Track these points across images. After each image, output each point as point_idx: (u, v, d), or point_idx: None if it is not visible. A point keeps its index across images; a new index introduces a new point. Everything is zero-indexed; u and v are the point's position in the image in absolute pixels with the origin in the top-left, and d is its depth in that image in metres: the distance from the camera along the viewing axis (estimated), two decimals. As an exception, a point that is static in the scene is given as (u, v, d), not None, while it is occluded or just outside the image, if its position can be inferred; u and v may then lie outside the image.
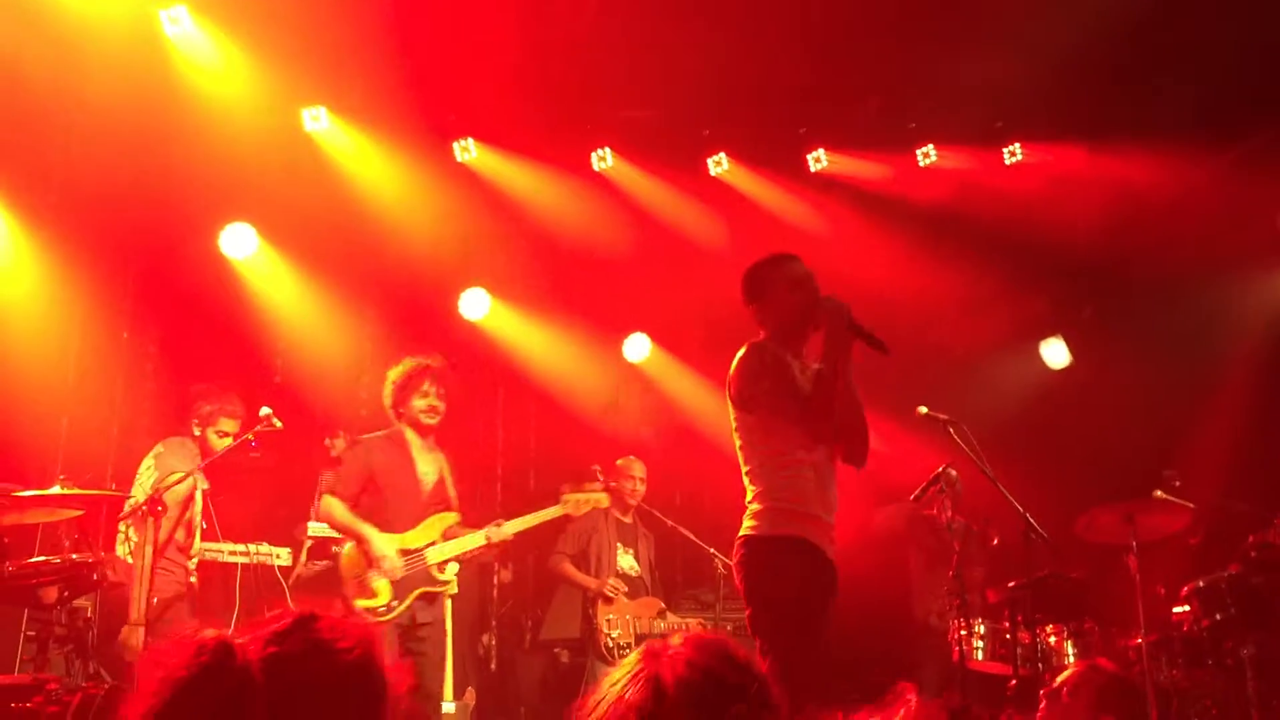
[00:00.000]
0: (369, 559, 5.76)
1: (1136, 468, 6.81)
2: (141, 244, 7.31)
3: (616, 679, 1.58)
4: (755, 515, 4.52)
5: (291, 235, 7.91)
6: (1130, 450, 7.59)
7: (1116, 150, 7.92)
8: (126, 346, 7.14)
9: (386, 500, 5.87)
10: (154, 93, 6.95)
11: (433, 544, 5.91)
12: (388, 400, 6.09)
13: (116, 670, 5.11)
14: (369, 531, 5.77)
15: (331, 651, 1.50)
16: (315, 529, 6.97)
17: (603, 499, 6.62)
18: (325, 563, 6.98)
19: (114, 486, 6.52)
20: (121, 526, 6.00)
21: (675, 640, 1.60)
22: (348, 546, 5.89)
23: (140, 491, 5.96)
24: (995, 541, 7.74)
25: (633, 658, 1.59)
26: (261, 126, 7.27)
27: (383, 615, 5.71)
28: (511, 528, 6.10)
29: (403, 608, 5.75)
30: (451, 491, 6.09)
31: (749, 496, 4.60)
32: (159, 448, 6.26)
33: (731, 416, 4.67)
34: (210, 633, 1.51)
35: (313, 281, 8.03)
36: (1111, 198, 8.14)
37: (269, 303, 7.94)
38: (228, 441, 6.07)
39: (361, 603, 5.72)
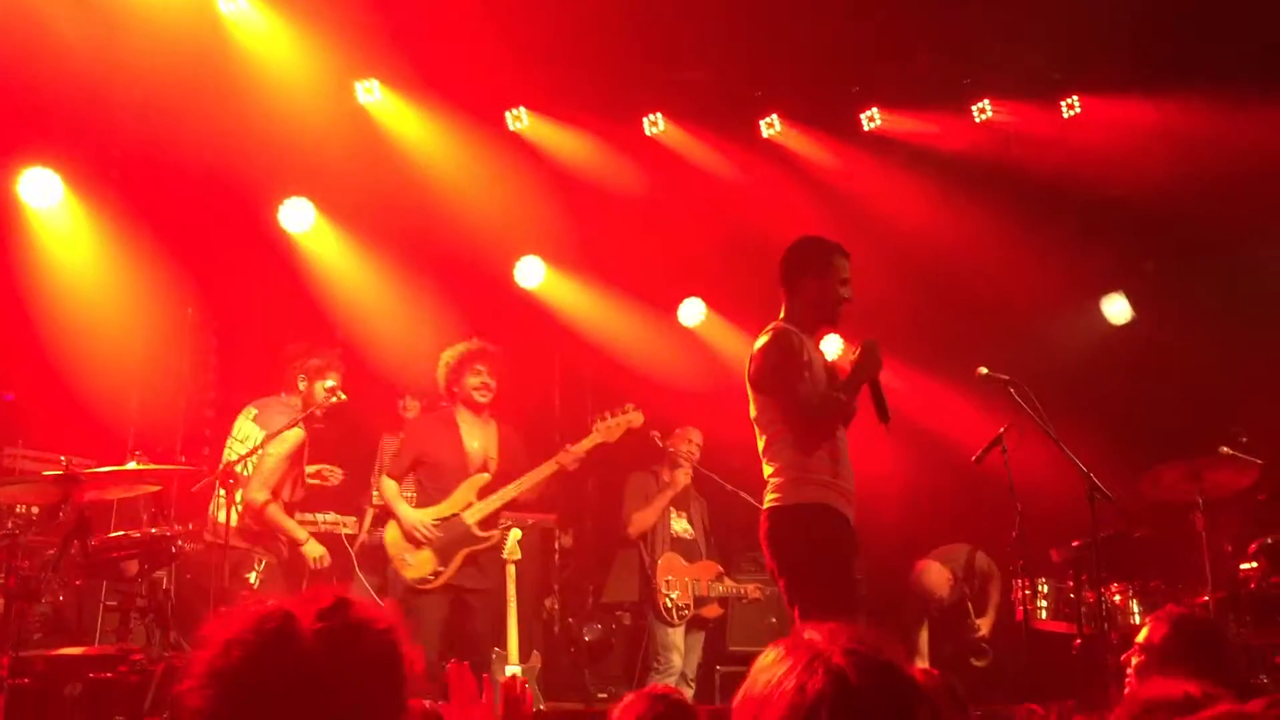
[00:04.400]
0: (405, 534, 6.16)
1: (1201, 424, 6.70)
2: (201, 219, 7.40)
3: (769, 676, 1.41)
4: (776, 488, 4.61)
5: (347, 208, 7.97)
6: (1195, 406, 7.48)
7: (1178, 100, 7.72)
8: (190, 321, 7.25)
9: (433, 477, 6.31)
10: (210, 68, 7.02)
11: (470, 505, 6.23)
12: (442, 380, 6.43)
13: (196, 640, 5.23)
14: (402, 509, 6.23)
15: (371, 631, 1.62)
16: (379, 497, 7.06)
17: (636, 418, 6.68)
18: (389, 530, 7.09)
19: (183, 460, 6.65)
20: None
21: (811, 634, 1.43)
22: (390, 526, 6.29)
23: (242, 449, 6.10)
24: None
25: (774, 655, 1.43)
26: (316, 100, 7.33)
27: (432, 582, 6.08)
28: (577, 449, 6.45)
29: (450, 571, 6.11)
30: (493, 461, 6.38)
31: (768, 471, 4.67)
32: (251, 409, 6.37)
33: (749, 393, 4.75)
34: (272, 602, 1.63)
35: (369, 253, 8.10)
36: (1173, 149, 7.95)
37: (328, 275, 8.02)
38: (330, 399, 6.15)
39: (409, 574, 6.11)
